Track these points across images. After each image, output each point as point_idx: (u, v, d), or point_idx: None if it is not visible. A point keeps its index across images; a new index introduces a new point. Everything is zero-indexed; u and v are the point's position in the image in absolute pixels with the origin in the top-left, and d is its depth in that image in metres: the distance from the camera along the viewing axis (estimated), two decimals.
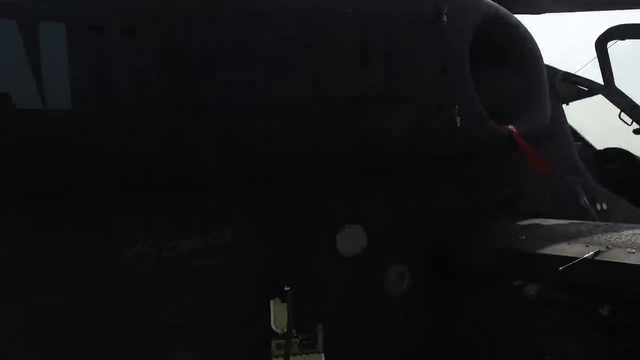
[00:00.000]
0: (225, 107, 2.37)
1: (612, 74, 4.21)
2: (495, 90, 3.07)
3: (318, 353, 2.72)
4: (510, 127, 3.08)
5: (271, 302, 2.63)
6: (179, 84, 2.29)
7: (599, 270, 2.22)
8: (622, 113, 4.32)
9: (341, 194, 2.80)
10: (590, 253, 2.26)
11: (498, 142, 3.01)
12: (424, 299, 2.90)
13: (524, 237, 2.73)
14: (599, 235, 2.46)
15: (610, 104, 4.35)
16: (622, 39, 4.16)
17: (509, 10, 3.32)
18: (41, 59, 2.07)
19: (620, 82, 4.25)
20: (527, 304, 2.48)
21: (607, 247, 2.29)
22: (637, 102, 4.34)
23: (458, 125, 2.74)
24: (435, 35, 2.75)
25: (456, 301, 2.87)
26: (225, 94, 2.36)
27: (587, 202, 3.74)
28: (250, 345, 2.64)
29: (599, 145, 4.94)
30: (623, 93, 4.27)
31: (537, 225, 2.90)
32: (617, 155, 4.77)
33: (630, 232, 2.40)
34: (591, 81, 4.31)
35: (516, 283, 2.52)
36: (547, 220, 3.03)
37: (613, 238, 2.37)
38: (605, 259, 2.22)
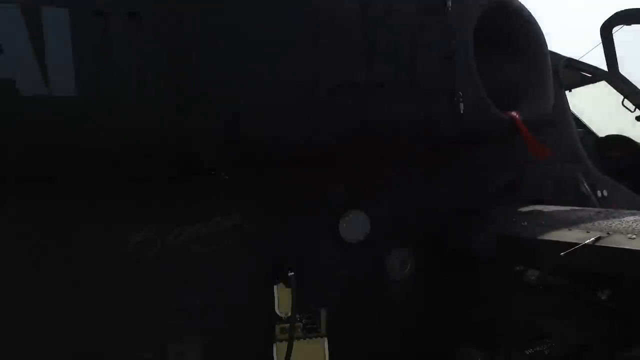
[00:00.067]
0: (229, 93, 2.37)
1: (616, 60, 4.17)
2: (499, 77, 3.06)
3: (321, 337, 2.77)
4: (513, 113, 3.07)
5: (275, 287, 2.67)
6: (182, 70, 2.29)
7: (600, 255, 2.25)
8: (625, 100, 4.29)
9: (345, 179, 2.82)
10: (591, 239, 2.28)
11: (501, 129, 3.01)
12: (426, 284, 2.93)
13: (525, 223, 2.75)
14: (600, 221, 2.48)
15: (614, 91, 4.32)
16: (628, 24, 4.11)
17: None
18: (45, 45, 2.06)
19: (624, 69, 4.22)
20: (527, 288, 2.52)
21: (608, 233, 2.31)
22: None
23: (462, 111, 2.74)
24: (440, 20, 2.73)
25: (457, 286, 2.91)
26: (228, 79, 2.35)
27: (588, 189, 3.75)
28: (255, 329, 2.68)
29: (601, 133, 4.93)
30: (627, 80, 4.24)
31: (538, 211, 2.92)
32: (619, 142, 4.76)
33: (631, 218, 2.41)
34: (595, 67, 4.28)
35: (517, 268, 2.55)
36: (548, 206, 3.04)
37: (614, 224, 2.39)
38: (605, 245, 2.24)
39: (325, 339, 2.76)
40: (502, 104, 3.00)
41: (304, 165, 2.67)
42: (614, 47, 4.14)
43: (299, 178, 2.73)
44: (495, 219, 2.94)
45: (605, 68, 4.31)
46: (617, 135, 4.82)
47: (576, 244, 2.29)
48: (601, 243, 2.26)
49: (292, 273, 2.57)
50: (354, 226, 2.84)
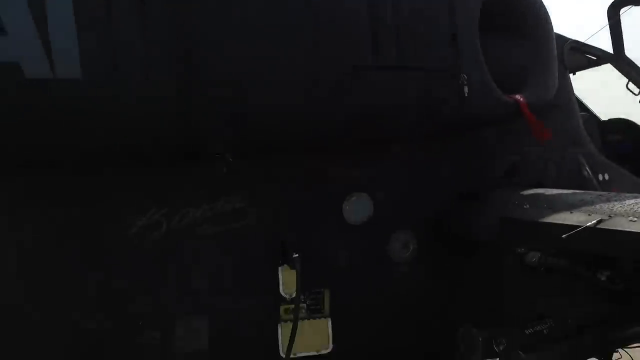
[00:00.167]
0: (234, 77, 2.36)
1: (622, 42, 4.10)
2: (503, 59, 3.04)
3: (325, 317, 2.82)
4: (517, 97, 3.06)
5: (280, 268, 2.70)
6: (188, 53, 2.27)
7: (601, 238, 2.27)
8: (630, 83, 4.25)
9: (349, 162, 2.83)
10: (593, 222, 2.30)
11: (504, 112, 3.01)
12: (428, 265, 2.97)
13: (527, 206, 2.77)
14: (601, 204, 2.49)
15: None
16: (637, 4, 4.03)
17: None
18: (49, 27, 2.05)
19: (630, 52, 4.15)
20: (528, 270, 2.55)
21: (609, 216, 2.32)
22: None
23: (466, 94, 2.73)
24: (445, 2, 2.71)
25: (459, 268, 2.95)
26: (233, 64, 2.34)
27: (590, 172, 3.76)
28: (259, 310, 2.73)
29: (604, 116, 4.91)
30: (633, 62, 4.18)
31: (540, 194, 2.94)
32: (621, 125, 4.74)
33: (633, 201, 2.43)
34: (601, 50, 4.22)
35: (519, 250, 2.58)
36: (549, 189, 3.06)
37: (615, 207, 2.40)
38: (607, 227, 2.26)
39: (329, 319, 2.81)
40: (506, 87, 2.99)
41: (308, 149, 2.68)
42: (621, 29, 4.07)
43: (303, 161, 2.74)
44: (497, 202, 2.96)
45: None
46: (620, 119, 4.80)
47: (578, 226, 2.31)
48: (602, 226, 2.28)
49: (297, 255, 2.61)
50: (357, 209, 2.87)
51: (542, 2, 3.29)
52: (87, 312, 2.49)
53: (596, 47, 4.22)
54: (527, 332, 2.55)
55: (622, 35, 4.12)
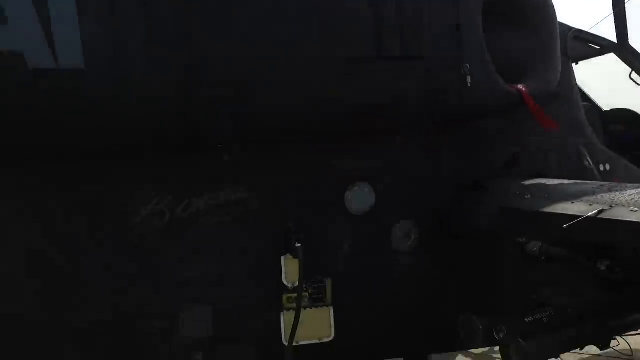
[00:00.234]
0: (236, 66, 2.35)
1: (627, 31, 4.06)
2: (506, 49, 3.03)
3: (327, 306, 2.85)
4: (520, 87, 3.06)
5: (282, 258, 2.73)
6: (191, 42, 2.27)
7: (602, 228, 2.28)
8: (633, 73, 4.22)
9: (351, 153, 2.84)
10: (594, 212, 2.31)
11: (507, 102, 3.00)
12: (430, 255, 2.99)
13: (528, 196, 2.78)
14: (603, 194, 2.50)
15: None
16: None
17: None
18: (51, 16, 2.04)
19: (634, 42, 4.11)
20: (529, 259, 2.57)
21: (610, 206, 2.34)
22: None
23: (469, 84, 2.73)
24: None
25: (460, 257, 2.97)
26: (236, 53, 2.33)
27: (591, 162, 3.76)
28: (262, 299, 2.76)
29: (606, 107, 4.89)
30: (637, 52, 4.15)
31: (542, 184, 2.95)
32: (624, 116, 4.74)
33: (634, 191, 2.44)
34: (604, 39, 4.19)
35: (520, 240, 2.60)
36: (551, 180, 3.07)
37: (616, 197, 2.41)
38: (608, 217, 2.28)
39: (331, 308, 2.85)
40: (509, 77, 2.99)
41: (310, 139, 2.68)
42: (626, 18, 4.03)
43: (306, 151, 2.75)
44: (498, 192, 2.97)
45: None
46: (622, 109, 4.79)
47: (579, 216, 2.32)
48: (603, 215, 2.29)
49: (300, 244, 2.63)
50: (360, 199, 2.88)
51: None
52: (90, 301, 2.51)
53: (600, 36, 4.19)
54: (527, 320, 2.58)
55: (626, 25, 4.08)
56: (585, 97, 4.48)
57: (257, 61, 2.37)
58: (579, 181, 2.99)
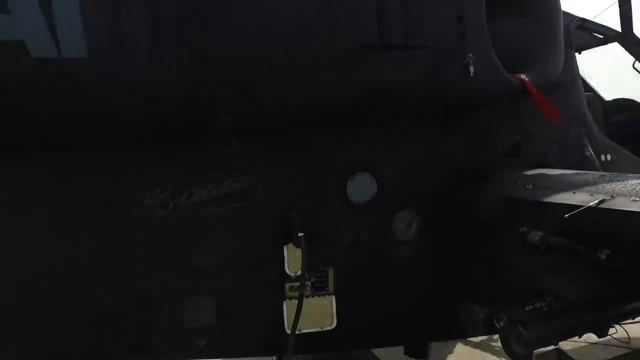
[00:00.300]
0: (240, 56, 2.34)
1: (632, 20, 4.03)
2: (509, 38, 3.01)
3: (329, 295, 2.88)
4: (523, 76, 3.04)
5: (285, 247, 2.75)
6: (194, 32, 2.25)
7: (603, 217, 2.30)
8: (637, 62, 4.19)
9: (353, 141, 2.84)
10: (595, 201, 2.32)
11: (510, 91, 3.00)
12: (431, 244, 3.01)
13: (530, 185, 2.79)
14: (604, 184, 2.51)
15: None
16: None
17: None
18: (53, 5, 2.03)
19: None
20: (530, 249, 2.59)
21: (612, 196, 2.35)
22: None
23: (471, 74, 2.72)
24: None
25: (462, 246, 2.99)
26: (239, 42, 2.32)
27: (592, 152, 3.76)
28: (265, 288, 2.78)
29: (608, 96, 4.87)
30: None
31: (543, 174, 2.95)
32: (626, 106, 4.72)
33: (636, 181, 2.44)
34: (608, 28, 4.16)
35: (521, 229, 2.62)
36: (553, 169, 3.08)
37: (618, 187, 2.42)
38: (609, 207, 2.29)
39: (333, 297, 2.87)
40: (512, 66, 2.97)
41: (312, 128, 2.68)
42: (631, 7, 3.99)
43: (308, 141, 2.75)
44: (500, 182, 2.98)
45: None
46: (625, 99, 4.77)
47: (580, 206, 2.33)
48: (605, 205, 2.30)
49: (302, 234, 2.64)
50: (361, 188, 2.89)
51: None
52: (92, 290, 2.53)
53: (604, 25, 4.15)
54: (527, 309, 2.60)
55: (631, 14, 4.04)
56: (587, 86, 4.46)
57: (260, 49, 2.36)
58: (580, 171, 3.00)
